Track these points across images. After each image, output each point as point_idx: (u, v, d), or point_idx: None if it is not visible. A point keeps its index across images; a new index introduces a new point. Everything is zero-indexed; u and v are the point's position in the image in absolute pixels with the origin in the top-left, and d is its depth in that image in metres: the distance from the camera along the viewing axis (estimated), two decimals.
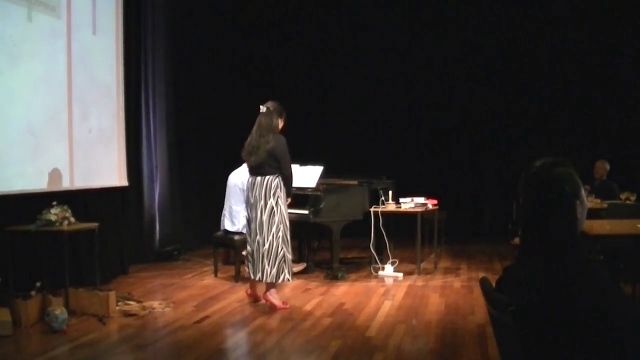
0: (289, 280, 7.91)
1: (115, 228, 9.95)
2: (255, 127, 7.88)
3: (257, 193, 7.75)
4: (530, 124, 13.30)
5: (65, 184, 8.70)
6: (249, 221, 7.94)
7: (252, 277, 7.91)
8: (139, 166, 10.94)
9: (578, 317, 2.39)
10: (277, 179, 7.77)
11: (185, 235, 11.92)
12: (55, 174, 8.52)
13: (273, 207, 7.71)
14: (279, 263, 7.75)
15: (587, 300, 2.40)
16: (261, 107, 7.89)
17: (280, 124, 7.88)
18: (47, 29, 8.39)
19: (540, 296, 2.49)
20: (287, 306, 7.94)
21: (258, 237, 7.73)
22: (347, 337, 6.62)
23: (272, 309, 7.83)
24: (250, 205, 7.86)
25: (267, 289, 7.90)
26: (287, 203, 7.94)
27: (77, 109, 8.91)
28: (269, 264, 7.72)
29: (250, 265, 7.92)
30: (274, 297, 7.90)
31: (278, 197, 7.74)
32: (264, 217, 7.70)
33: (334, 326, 7.02)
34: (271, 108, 7.85)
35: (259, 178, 7.77)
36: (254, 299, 8.19)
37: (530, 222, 2.64)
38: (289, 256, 7.85)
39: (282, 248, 7.74)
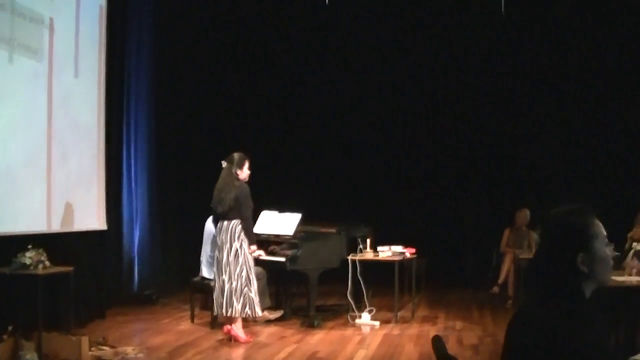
0: (248, 315, 8.56)
1: (94, 271, 9.90)
2: (219, 181, 8.66)
3: (223, 237, 8.48)
4: (515, 172, 13.32)
5: (43, 227, 8.68)
6: (216, 261, 8.58)
7: (216, 312, 8.74)
8: (119, 209, 10.92)
9: None
10: (240, 224, 8.51)
11: (164, 279, 11.89)
12: (32, 217, 8.50)
13: (237, 250, 8.42)
14: (243, 299, 8.39)
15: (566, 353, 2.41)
16: (222, 162, 8.68)
17: (241, 172, 8.64)
18: (28, 71, 8.42)
19: (530, 342, 2.49)
20: (251, 339, 8.60)
21: (224, 276, 8.42)
22: None
23: (237, 343, 8.42)
24: (218, 247, 8.57)
25: (232, 323, 8.49)
26: (253, 249, 8.58)
27: (56, 151, 8.92)
28: (236, 300, 8.37)
29: (215, 302, 8.57)
30: (239, 331, 8.52)
31: (242, 240, 8.46)
32: (230, 259, 8.41)
33: None
34: (230, 162, 8.63)
35: (225, 223, 8.50)
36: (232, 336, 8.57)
37: (532, 268, 2.66)
38: (252, 295, 8.44)
39: (245, 286, 8.40)
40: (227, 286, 8.39)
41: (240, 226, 8.42)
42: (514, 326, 2.64)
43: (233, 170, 8.54)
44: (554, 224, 2.62)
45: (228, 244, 8.41)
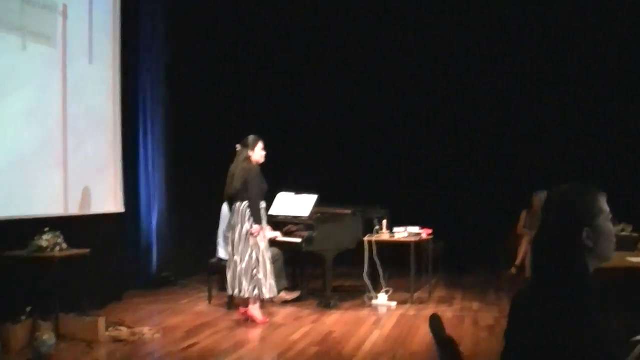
0: (265, 296, 8.60)
1: (111, 254, 9.99)
2: (233, 164, 8.81)
3: (235, 218, 8.61)
4: (532, 152, 13.24)
5: (60, 210, 8.78)
6: (230, 242, 8.72)
7: (229, 292, 8.82)
8: (136, 192, 11.01)
9: (567, 345, 2.41)
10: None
11: (182, 261, 11.97)
12: (49, 200, 8.60)
13: (247, 231, 8.50)
14: (252, 280, 8.50)
15: (569, 332, 2.42)
16: (237, 146, 8.83)
17: (253, 153, 8.70)
18: (42, 58, 8.50)
19: (532, 319, 2.52)
20: (267, 320, 8.69)
21: (235, 256, 8.56)
22: None
23: (254, 323, 8.53)
24: (230, 228, 8.71)
25: (248, 305, 8.62)
26: (256, 229, 8.49)
27: (72, 136, 9.00)
28: (246, 280, 8.50)
29: (228, 283, 8.69)
30: (255, 312, 8.60)
31: (252, 222, 8.47)
32: (242, 240, 8.51)
33: (319, 355, 7.06)
34: (244, 145, 8.75)
35: (237, 204, 8.62)
36: (248, 317, 8.66)
37: (537, 245, 2.67)
38: (260, 276, 8.49)
39: (255, 268, 8.49)
40: (238, 267, 8.52)
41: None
42: (516, 305, 2.67)
43: (245, 152, 8.66)
44: (559, 200, 2.63)
45: (239, 226, 8.52)
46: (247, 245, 8.48)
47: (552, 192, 2.68)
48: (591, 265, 2.59)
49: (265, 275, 8.51)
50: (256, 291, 8.48)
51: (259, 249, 8.50)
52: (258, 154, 8.70)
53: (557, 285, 2.52)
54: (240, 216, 8.53)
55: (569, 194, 2.62)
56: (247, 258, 8.47)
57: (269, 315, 8.91)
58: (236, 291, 8.60)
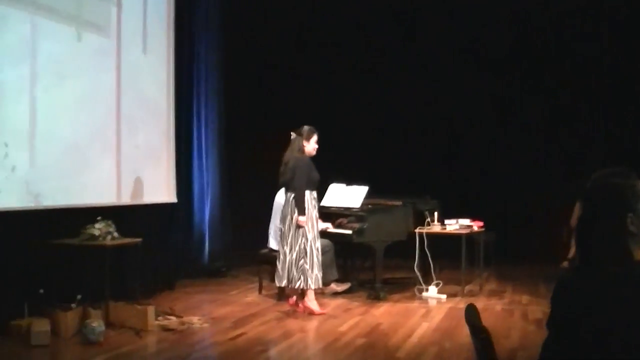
0: (311, 287, 8.53)
1: (163, 244, 10.10)
2: (286, 152, 8.81)
3: (286, 208, 8.65)
4: (584, 144, 13.06)
5: (113, 199, 8.90)
6: (281, 232, 8.77)
7: (277, 284, 8.84)
8: (190, 183, 11.11)
9: (614, 330, 2.40)
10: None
11: (234, 251, 12.04)
12: (102, 189, 8.72)
13: (297, 222, 8.48)
14: (299, 271, 8.50)
15: (615, 316, 2.41)
16: (291, 133, 8.81)
17: (307, 144, 8.71)
18: (96, 48, 8.62)
19: (577, 305, 2.49)
20: (325, 311, 8.69)
21: (285, 247, 8.59)
22: (377, 357, 6.66)
23: (303, 314, 8.56)
24: (283, 219, 8.70)
25: (304, 297, 8.66)
26: (302, 220, 8.48)
27: (125, 126, 9.11)
28: (296, 272, 8.51)
29: (277, 274, 8.71)
30: (311, 303, 8.62)
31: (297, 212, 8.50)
32: (291, 231, 8.52)
33: (366, 346, 7.06)
34: (297, 133, 8.77)
35: (288, 194, 8.68)
36: (297, 308, 8.71)
37: (581, 231, 2.64)
38: (307, 267, 8.48)
39: (302, 258, 8.47)
40: (287, 258, 8.55)
41: None
42: (560, 291, 2.64)
43: (299, 142, 8.67)
44: (601, 186, 2.61)
45: (289, 216, 8.54)
46: (296, 236, 8.49)
47: (594, 178, 2.65)
48: (634, 250, 2.55)
49: (312, 266, 8.48)
50: (302, 282, 8.47)
51: (307, 239, 8.49)
52: (312, 146, 8.72)
53: (604, 272, 2.50)
54: (290, 207, 8.55)
55: (612, 180, 2.60)
56: (296, 248, 8.49)
57: (320, 306, 8.89)
58: (285, 282, 8.61)
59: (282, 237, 8.68)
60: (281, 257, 8.65)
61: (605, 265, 2.51)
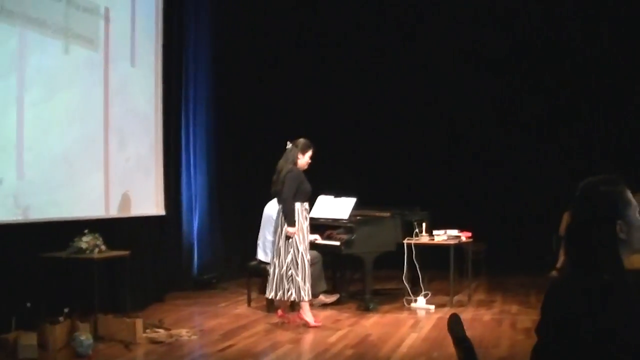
0: (294, 299, 8.56)
1: (153, 256, 10.11)
2: (280, 161, 8.74)
3: (278, 220, 8.63)
4: (575, 155, 13.08)
5: (101, 212, 8.89)
6: (272, 244, 8.79)
7: (268, 295, 8.77)
8: (178, 195, 11.11)
9: (597, 338, 2.42)
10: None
11: (224, 263, 12.06)
12: (90, 202, 8.71)
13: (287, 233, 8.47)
14: (289, 283, 8.46)
15: (608, 322, 2.43)
16: (287, 143, 8.76)
17: (302, 157, 8.68)
18: (84, 61, 8.62)
19: (570, 311, 2.51)
20: (320, 324, 8.60)
21: (275, 259, 8.56)
22: None
23: (291, 325, 8.57)
24: (274, 231, 8.73)
25: (294, 309, 8.84)
26: (291, 232, 8.45)
27: (114, 139, 9.12)
28: (287, 283, 8.46)
29: (268, 285, 8.69)
30: (306, 316, 8.56)
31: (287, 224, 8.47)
32: (281, 242, 8.49)
33: (355, 357, 7.08)
34: (294, 144, 8.72)
35: (280, 206, 8.60)
36: (286, 320, 8.72)
37: (571, 239, 2.68)
38: (298, 279, 8.42)
39: (290, 269, 8.43)
40: (277, 270, 8.51)
41: None
42: (550, 297, 2.66)
43: (294, 154, 8.64)
44: (591, 193, 2.64)
45: (280, 228, 8.53)
46: (286, 248, 8.46)
47: (583, 184, 2.68)
48: (623, 257, 2.60)
49: (304, 278, 8.45)
50: (294, 294, 8.44)
51: (298, 250, 8.46)
52: (305, 160, 8.70)
53: (595, 278, 2.53)
54: (281, 218, 8.55)
55: (601, 187, 2.63)
56: (287, 260, 8.45)
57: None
58: (275, 294, 8.56)
59: (274, 249, 8.66)
60: (271, 268, 8.64)
61: (595, 272, 2.54)
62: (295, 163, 8.60)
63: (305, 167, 8.72)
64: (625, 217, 2.59)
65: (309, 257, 8.62)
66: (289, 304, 8.76)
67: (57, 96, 8.15)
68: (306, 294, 8.47)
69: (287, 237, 8.44)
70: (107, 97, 9.00)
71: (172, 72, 10.63)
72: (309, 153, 8.71)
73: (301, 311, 8.60)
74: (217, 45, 12.06)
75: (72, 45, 8.38)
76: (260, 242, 9.78)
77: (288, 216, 8.44)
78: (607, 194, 2.61)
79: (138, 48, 9.69)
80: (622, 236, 2.57)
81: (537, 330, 2.69)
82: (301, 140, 8.72)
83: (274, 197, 8.94)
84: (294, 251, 8.44)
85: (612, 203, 2.59)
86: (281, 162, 8.70)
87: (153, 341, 7.63)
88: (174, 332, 7.98)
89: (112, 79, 9.09)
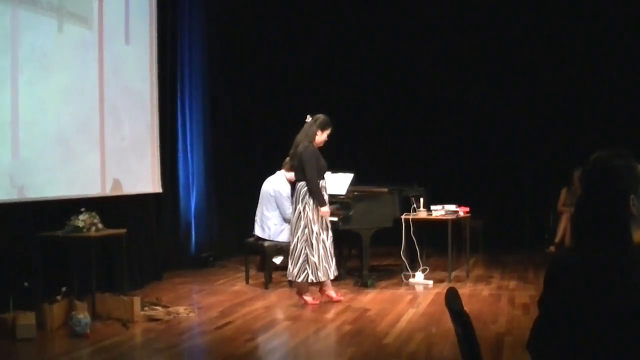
0: (312, 280, 8.37)
1: (150, 234, 10.10)
2: (298, 134, 8.56)
3: (294, 198, 8.51)
4: (572, 131, 13.04)
5: (97, 191, 8.87)
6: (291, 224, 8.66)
7: (288, 277, 8.81)
8: (175, 173, 11.08)
9: (610, 312, 2.40)
10: (306, 186, 8.28)
11: (221, 241, 12.05)
12: (86, 181, 8.69)
13: (301, 212, 8.34)
14: (301, 263, 8.30)
15: (614, 297, 2.41)
16: (307, 116, 8.57)
17: (320, 135, 8.48)
18: (78, 39, 8.57)
19: (574, 285, 2.49)
20: (317, 302, 8.50)
21: (293, 238, 8.44)
22: (364, 343, 6.67)
23: (332, 302, 8.52)
24: (292, 209, 8.60)
25: (321, 288, 8.63)
26: (324, 211, 8.37)
27: (109, 118, 9.08)
28: (292, 263, 8.39)
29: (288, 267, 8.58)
30: (330, 291, 8.60)
31: (306, 203, 8.32)
32: (295, 220, 8.39)
33: (353, 333, 7.08)
34: (314, 119, 8.51)
35: (297, 183, 8.48)
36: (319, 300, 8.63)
37: (580, 212, 2.62)
38: (313, 259, 8.29)
39: (304, 250, 8.29)
40: (292, 249, 8.44)
41: (305, 188, 8.31)
42: (555, 272, 2.63)
43: (314, 130, 8.44)
44: (602, 168, 2.58)
45: (294, 206, 8.48)
46: (300, 227, 8.32)
47: (593, 159, 2.60)
48: (633, 231, 2.55)
49: (321, 258, 8.33)
50: (311, 275, 8.30)
51: (312, 230, 8.31)
52: (323, 137, 8.51)
53: (603, 253, 2.49)
54: (296, 196, 8.43)
55: (613, 161, 2.57)
56: (296, 240, 8.34)
57: (311, 294, 8.80)
58: (290, 273, 8.50)
59: (292, 229, 8.55)
60: (290, 248, 8.55)
61: (604, 247, 2.50)
62: (312, 140, 8.41)
63: (322, 145, 8.56)
64: (638, 192, 2.53)
65: (325, 236, 8.45)
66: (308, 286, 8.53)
67: (51, 75, 8.11)
68: (323, 274, 8.37)
69: (299, 216, 8.31)
70: (101, 75, 8.95)
71: (167, 49, 10.56)
72: (328, 131, 8.52)
73: (324, 287, 8.55)
74: (211, 22, 11.98)
75: (66, 23, 8.33)
76: (257, 218, 9.77)
77: (317, 196, 8.27)
78: (621, 167, 2.55)
79: (132, 26, 9.63)
80: (634, 211, 2.51)
81: (539, 303, 2.66)
82: (321, 117, 8.52)
83: (295, 172, 8.61)
84: (308, 231, 8.30)
85: (626, 177, 2.53)
86: (299, 137, 8.49)
87: (151, 319, 7.63)
88: (171, 309, 7.98)
89: (106, 58, 9.03)
